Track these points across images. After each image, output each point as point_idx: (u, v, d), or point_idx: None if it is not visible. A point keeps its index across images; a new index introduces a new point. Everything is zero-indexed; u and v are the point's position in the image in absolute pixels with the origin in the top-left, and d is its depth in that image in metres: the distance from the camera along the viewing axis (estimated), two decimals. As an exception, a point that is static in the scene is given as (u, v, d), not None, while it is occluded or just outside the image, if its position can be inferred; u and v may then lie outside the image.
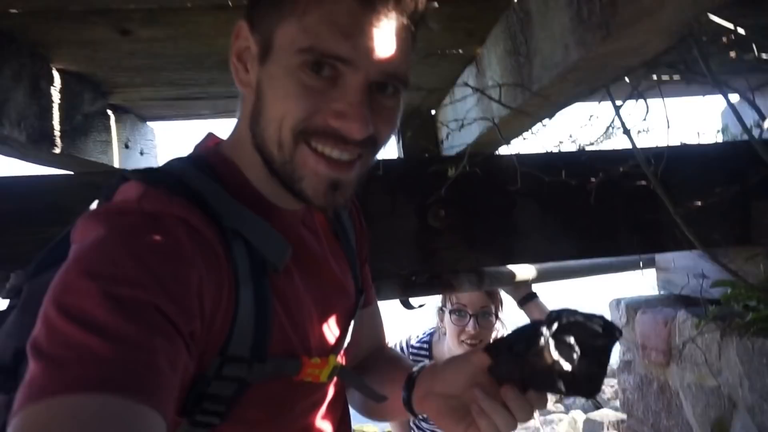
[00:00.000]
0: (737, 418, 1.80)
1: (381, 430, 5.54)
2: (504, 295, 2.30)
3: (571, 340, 0.77)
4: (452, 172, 1.43)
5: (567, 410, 6.87)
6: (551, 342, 0.76)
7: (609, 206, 1.75)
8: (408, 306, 2.02)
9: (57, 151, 1.61)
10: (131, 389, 0.53)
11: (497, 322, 2.19)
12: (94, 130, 1.83)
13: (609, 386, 6.99)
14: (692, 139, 1.92)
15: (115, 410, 0.52)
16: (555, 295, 2.59)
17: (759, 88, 2.07)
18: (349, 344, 0.93)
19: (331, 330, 0.88)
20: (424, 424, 2.32)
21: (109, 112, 1.95)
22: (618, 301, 2.55)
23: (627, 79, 1.36)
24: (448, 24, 1.42)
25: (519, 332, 0.81)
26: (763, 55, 1.31)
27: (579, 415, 6.38)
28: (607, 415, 5.95)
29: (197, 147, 0.86)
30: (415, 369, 0.96)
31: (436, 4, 0.80)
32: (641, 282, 2.44)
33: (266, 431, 0.79)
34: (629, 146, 1.48)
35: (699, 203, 1.52)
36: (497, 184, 1.72)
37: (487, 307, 2.12)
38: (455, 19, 1.39)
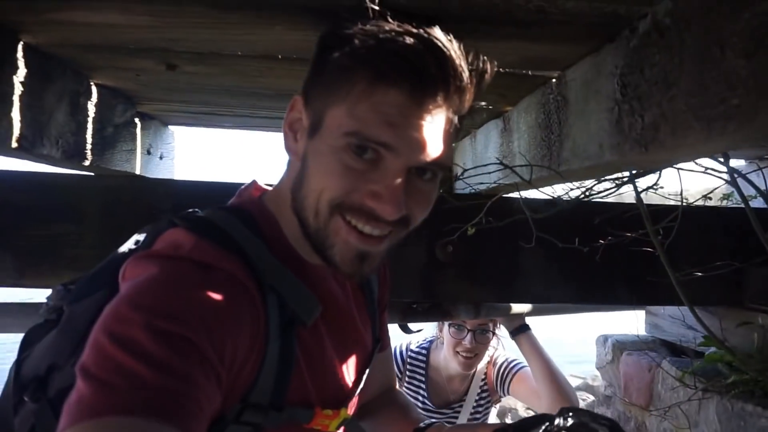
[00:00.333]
0: (709, 471, 1.90)
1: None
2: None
3: None
4: (471, 231, 1.49)
5: None
6: None
7: (610, 259, 1.81)
8: (407, 330, 2.12)
9: (87, 163, 1.65)
10: (174, 416, 0.57)
11: (494, 338, 2.28)
12: (122, 140, 1.86)
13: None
14: (698, 202, 1.99)
15: None
16: (546, 327, 2.68)
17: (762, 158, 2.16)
18: (361, 389, 0.97)
19: (347, 381, 0.92)
20: None
21: (137, 120, 1.98)
22: (605, 338, 2.64)
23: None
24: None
25: (527, 423, 0.84)
26: None
27: None
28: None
29: (241, 194, 0.90)
30: (422, 424, 1.01)
31: (483, 104, 0.84)
32: (630, 318, 2.53)
33: None
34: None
35: (699, 273, 1.60)
36: (505, 226, 1.78)
37: (485, 324, 2.21)
38: (491, 86, 1.43)
